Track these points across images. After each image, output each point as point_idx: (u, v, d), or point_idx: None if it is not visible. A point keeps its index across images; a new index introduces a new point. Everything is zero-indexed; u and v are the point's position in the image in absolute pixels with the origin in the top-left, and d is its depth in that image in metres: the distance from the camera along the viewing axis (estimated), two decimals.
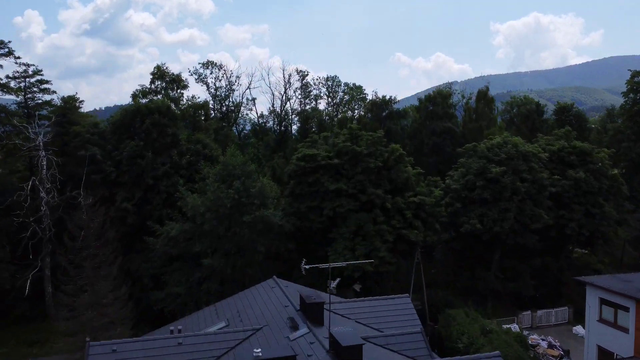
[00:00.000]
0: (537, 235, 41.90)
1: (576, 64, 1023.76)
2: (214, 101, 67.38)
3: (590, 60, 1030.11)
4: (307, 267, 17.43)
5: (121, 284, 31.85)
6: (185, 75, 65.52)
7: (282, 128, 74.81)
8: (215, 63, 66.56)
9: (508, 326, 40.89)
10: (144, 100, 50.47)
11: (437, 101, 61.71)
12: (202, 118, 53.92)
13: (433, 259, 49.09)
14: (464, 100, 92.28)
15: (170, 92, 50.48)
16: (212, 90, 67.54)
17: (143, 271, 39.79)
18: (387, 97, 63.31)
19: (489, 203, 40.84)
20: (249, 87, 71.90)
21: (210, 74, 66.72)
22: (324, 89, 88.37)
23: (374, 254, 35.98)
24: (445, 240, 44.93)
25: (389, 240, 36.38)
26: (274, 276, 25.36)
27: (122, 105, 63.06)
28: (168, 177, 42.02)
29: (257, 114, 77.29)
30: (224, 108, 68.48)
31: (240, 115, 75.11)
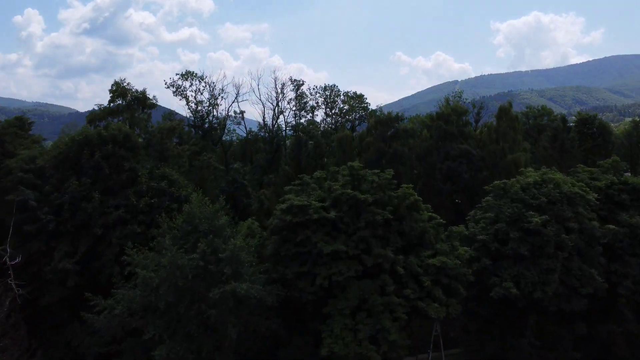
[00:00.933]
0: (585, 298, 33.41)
1: (577, 63, 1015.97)
2: (194, 117, 58.78)
3: (591, 59, 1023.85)
4: None
5: None
6: (154, 92, 57.18)
7: (274, 146, 66.24)
8: (196, 74, 57.98)
9: None
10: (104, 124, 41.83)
11: (451, 119, 53.15)
12: (175, 142, 45.42)
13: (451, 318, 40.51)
14: (475, 110, 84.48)
15: (135, 113, 41.94)
16: (193, 105, 59.10)
17: (86, 347, 31.27)
18: (393, 114, 54.70)
19: (527, 260, 32.34)
20: (235, 100, 63.19)
21: (190, 85, 58.18)
22: (321, 99, 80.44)
23: (381, 337, 27.51)
24: (467, 298, 36.41)
25: (401, 317, 27.86)
26: None
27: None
28: (123, 225, 33.49)
29: (245, 128, 68.62)
30: (207, 125, 59.90)
31: (226, 131, 66.62)
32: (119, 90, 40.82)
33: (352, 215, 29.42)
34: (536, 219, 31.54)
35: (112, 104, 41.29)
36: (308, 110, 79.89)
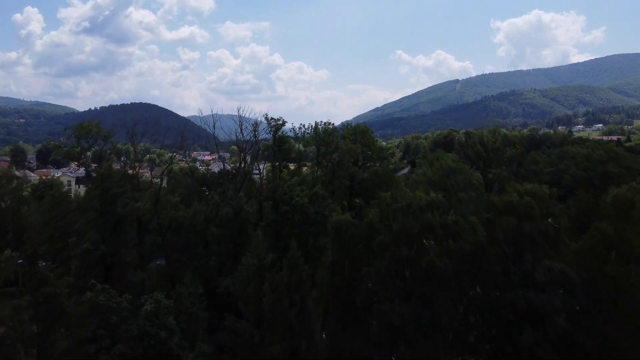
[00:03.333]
0: None
1: (578, 62, 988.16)
2: (101, 200, 36.31)
3: (592, 58, 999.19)
4: None
5: None
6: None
7: (237, 226, 43.79)
8: (98, 130, 35.46)
9: None
10: None
11: (527, 211, 30.73)
12: None
13: None
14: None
15: None
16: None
17: None
18: (426, 200, 32.02)
19: None
20: (172, 162, 40.65)
21: (91, 151, 35.70)
22: (311, 134, 58.74)
23: None
24: None
25: None
26: None
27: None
28: None
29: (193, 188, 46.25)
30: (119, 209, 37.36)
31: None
32: None
33: None
34: None
35: None
36: (293, 156, 58.04)
